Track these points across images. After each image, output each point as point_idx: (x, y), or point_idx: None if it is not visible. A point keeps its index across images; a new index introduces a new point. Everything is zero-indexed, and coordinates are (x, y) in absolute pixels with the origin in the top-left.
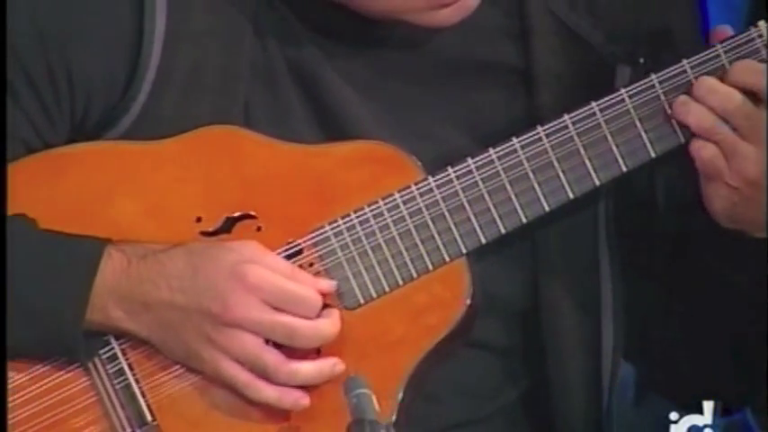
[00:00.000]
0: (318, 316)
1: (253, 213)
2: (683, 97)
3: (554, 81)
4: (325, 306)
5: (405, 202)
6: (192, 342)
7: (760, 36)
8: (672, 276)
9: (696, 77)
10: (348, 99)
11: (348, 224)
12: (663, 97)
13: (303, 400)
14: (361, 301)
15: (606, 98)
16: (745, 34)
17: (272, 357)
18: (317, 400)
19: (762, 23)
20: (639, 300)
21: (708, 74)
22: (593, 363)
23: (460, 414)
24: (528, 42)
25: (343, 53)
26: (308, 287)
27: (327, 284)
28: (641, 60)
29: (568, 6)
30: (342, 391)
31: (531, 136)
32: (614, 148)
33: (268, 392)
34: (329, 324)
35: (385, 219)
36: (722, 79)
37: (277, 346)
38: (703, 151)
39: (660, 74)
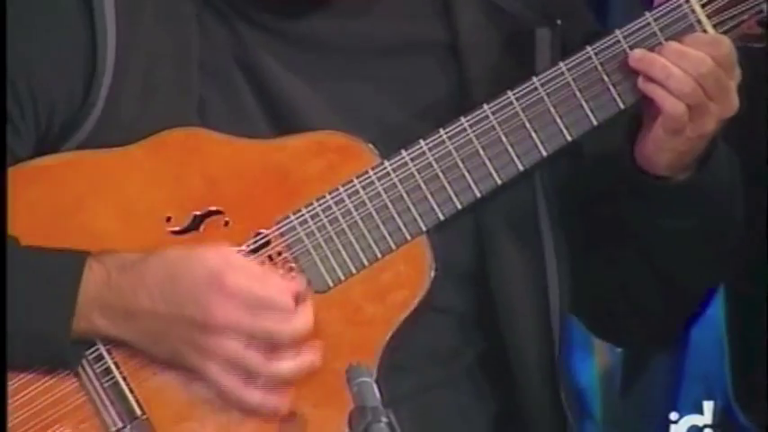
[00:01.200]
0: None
1: (219, 209)
2: (663, 61)
3: (479, 51)
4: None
5: (364, 188)
6: (177, 348)
7: (687, 2)
8: (604, 225)
9: (630, 47)
10: (292, 87)
11: (312, 212)
12: (600, 68)
13: (283, 407)
14: (331, 285)
15: (546, 72)
16: (673, 2)
17: (255, 360)
18: (299, 397)
19: None
20: (581, 250)
21: (640, 41)
22: (542, 317)
23: (424, 379)
24: (451, 16)
25: (281, 43)
26: (281, 290)
27: (298, 285)
28: (558, 22)
29: None
30: (345, 380)
31: (478, 114)
32: (558, 119)
33: (251, 398)
34: (303, 320)
35: (346, 204)
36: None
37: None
38: (676, 110)
39: (595, 45)
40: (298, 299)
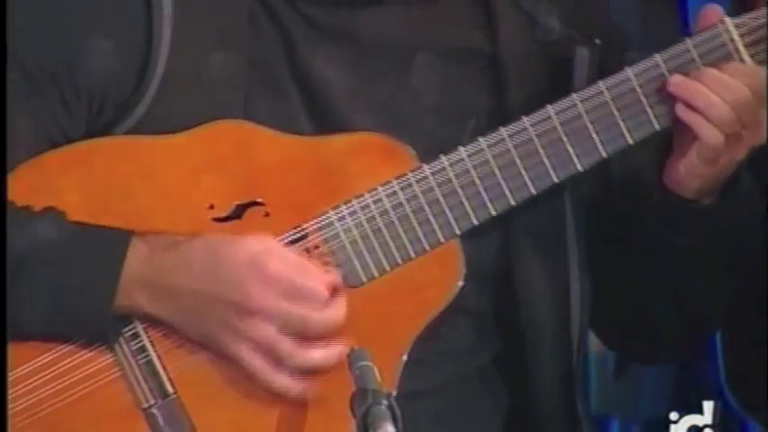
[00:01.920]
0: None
1: (261, 200)
2: (704, 90)
3: (519, 64)
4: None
5: (402, 189)
6: (213, 327)
7: (726, 31)
8: (624, 242)
9: (669, 71)
10: (337, 87)
11: (350, 209)
12: (638, 89)
13: (308, 393)
14: (364, 280)
15: (585, 90)
16: (712, 30)
17: (287, 346)
18: (325, 384)
19: (727, 19)
20: (600, 266)
21: (679, 67)
22: (562, 325)
23: (439, 375)
24: (494, 29)
25: (327, 40)
26: (318, 280)
27: (334, 277)
28: (597, 41)
29: None
30: (346, 364)
31: (517, 125)
32: (594, 136)
33: (279, 381)
34: (336, 313)
35: (384, 204)
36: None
37: None
38: (714, 139)
39: (634, 67)
40: (333, 291)
